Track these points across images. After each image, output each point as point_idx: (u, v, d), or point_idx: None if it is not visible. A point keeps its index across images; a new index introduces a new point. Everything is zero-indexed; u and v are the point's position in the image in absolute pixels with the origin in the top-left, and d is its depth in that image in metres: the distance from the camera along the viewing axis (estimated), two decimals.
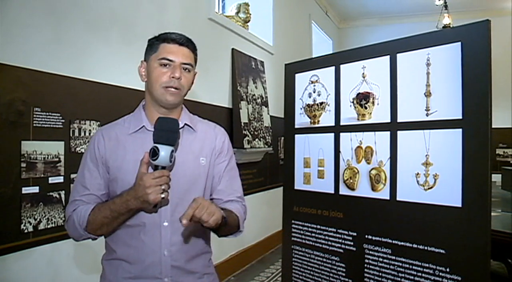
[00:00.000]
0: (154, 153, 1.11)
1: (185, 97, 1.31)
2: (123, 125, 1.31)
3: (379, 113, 1.67)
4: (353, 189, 1.75)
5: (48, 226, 2.01)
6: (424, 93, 1.53)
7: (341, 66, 1.82)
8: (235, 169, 1.45)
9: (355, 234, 1.73)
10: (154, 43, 1.27)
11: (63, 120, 2.10)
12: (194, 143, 1.33)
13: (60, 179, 2.07)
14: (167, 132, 1.15)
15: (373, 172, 1.67)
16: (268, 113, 4.51)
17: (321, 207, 1.87)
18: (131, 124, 1.30)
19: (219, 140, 1.39)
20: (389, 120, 1.63)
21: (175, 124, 1.19)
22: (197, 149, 1.33)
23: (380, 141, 1.66)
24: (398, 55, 1.62)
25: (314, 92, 1.93)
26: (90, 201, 1.25)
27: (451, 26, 5.84)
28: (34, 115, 1.96)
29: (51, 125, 2.04)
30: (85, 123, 2.22)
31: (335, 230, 1.80)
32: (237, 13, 4.31)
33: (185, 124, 1.33)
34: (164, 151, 1.11)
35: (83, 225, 1.21)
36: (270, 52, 4.86)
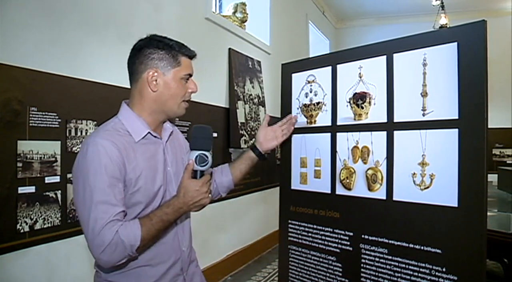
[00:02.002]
0: (202, 160, 1.20)
1: None
2: (119, 133, 1.22)
3: (376, 113, 1.66)
4: (349, 189, 1.75)
5: (44, 226, 2.00)
6: (421, 93, 1.53)
7: (338, 66, 1.82)
8: None
9: (351, 234, 1.73)
10: (175, 56, 1.26)
11: (59, 120, 2.09)
12: (178, 143, 1.44)
13: (57, 179, 2.07)
14: (208, 139, 1.25)
15: (370, 171, 1.67)
16: (265, 113, 4.50)
17: (317, 207, 1.86)
18: (132, 132, 1.24)
19: (183, 138, 1.51)
20: (385, 120, 1.63)
21: (211, 132, 1.28)
22: (181, 149, 1.44)
23: (376, 140, 1.66)
24: (395, 55, 1.61)
25: (310, 92, 1.93)
26: (121, 219, 1.15)
27: (448, 26, 5.85)
28: (30, 115, 1.95)
29: (48, 125, 2.03)
30: (81, 123, 2.21)
31: (331, 230, 1.80)
32: (234, 12, 4.31)
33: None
34: (210, 157, 1.21)
35: (136, 245, 1.12)
36: (267, 52, 4.85)
